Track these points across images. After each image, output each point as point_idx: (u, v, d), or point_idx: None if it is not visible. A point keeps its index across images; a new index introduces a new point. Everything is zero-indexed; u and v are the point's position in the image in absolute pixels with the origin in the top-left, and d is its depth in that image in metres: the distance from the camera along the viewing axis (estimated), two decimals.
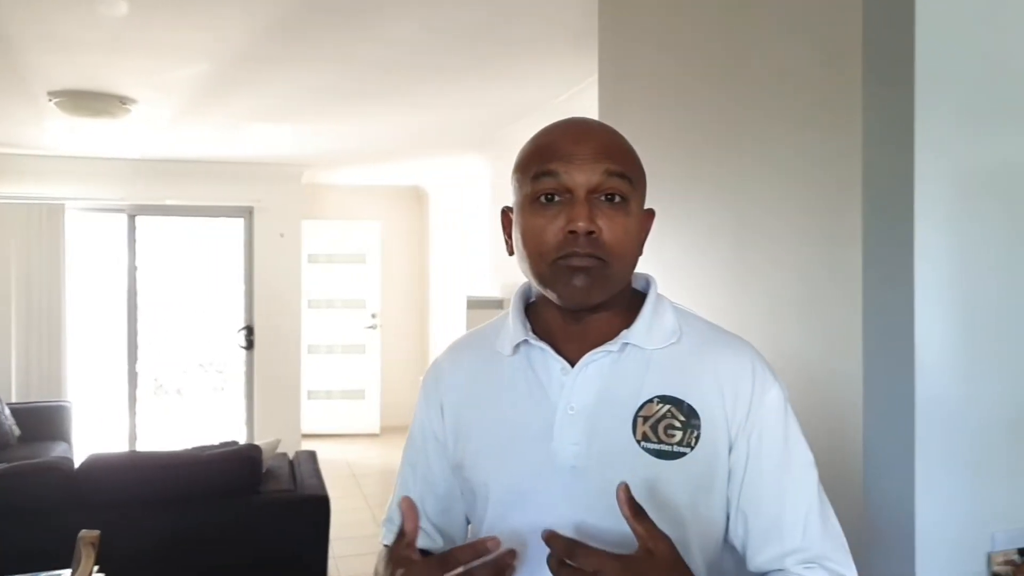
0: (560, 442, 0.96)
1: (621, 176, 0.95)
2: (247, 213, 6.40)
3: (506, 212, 1.04)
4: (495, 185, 5.35)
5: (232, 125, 4.78)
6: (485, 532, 0.99)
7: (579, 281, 0.93)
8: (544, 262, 0.95)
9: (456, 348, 1.12)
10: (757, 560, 0.96)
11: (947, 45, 1.39)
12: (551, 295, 0.96)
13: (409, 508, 0.91)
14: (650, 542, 0.83)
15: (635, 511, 0.84)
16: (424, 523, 1.03)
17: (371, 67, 3.55)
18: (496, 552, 0.87)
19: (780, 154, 1.63)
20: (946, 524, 1.38)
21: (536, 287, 1.00)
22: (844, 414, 1.40)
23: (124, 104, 4.05)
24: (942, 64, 1.39)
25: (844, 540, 0.97)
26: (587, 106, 3.04)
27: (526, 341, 1.01)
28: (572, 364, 0.98)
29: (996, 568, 1.39)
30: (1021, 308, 1.44)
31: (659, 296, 1.04)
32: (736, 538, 0.97)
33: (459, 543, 1.02)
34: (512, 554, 0.88)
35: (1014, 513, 1.42)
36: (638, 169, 0.99)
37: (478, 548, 0.87)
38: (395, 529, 1.06)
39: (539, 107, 4.18)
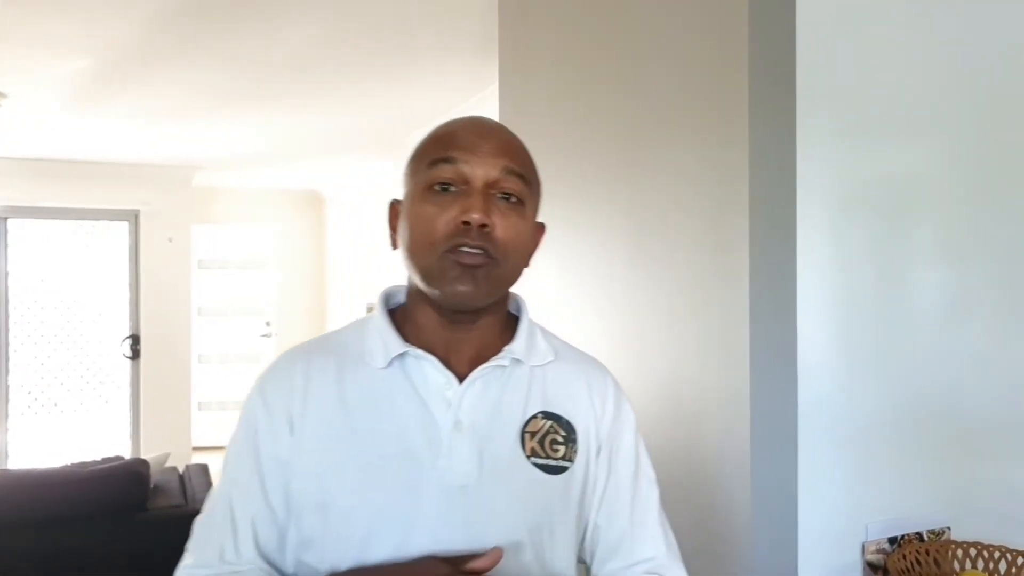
0: (449, 460, 0.91)
1: (520, 177, 0.93)
2: (133, 217, 6.10)
3: (394, 205, 1.00)
4: (398, 190, 5.30)
5: (117, 124, 4.55)
6: (347, 562, 0.89)
7: (464, 285, 0.89)
8: (432, 253, 0.90)
9: (306, 355, 0.97)
10: (604, 570, 1.00)
11: (825, 66, 1.49)
12: (434, 292, 0.91)
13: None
14: None
15: None
16: (255, 558, 0.92)
17: (267, 66, 3.46)
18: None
19: (674, 165, 1.69)
20: (826, 517, 1.47)
21: (418, 282, 0.94)
22: (733, 414, 1.47)
23: None
24: (821, 84, 1.48)
25: (679, 552, 1.04)
26: (489, 113, 3.06)
27: (405, 353, 0.94)
28: (457, 377, 0.94)
29: (869, 557, 1.49)
30: (894, 315, 1.55)
31: (530, 319, 1.03)
32: (584, 549, 1.01)
33: None
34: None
35: (886, 506, 1.52)
36: (535, 177, 0.98)
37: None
38: None
39: (442, 112, 4.17)
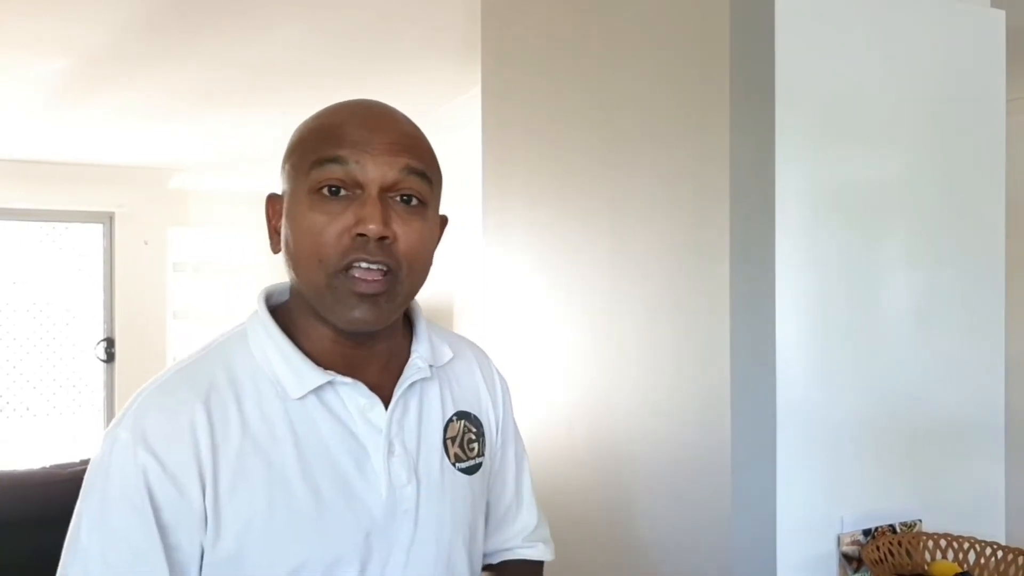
0: (390, 489, 0.83)
1: (422, 176, 0.81)
2: (108, 219, 6.04)
3: (273, 200, 0.87)
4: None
5: (93, 125, 4.51)
6: None
7: (362, 312, 0.79)
8: (323, 273, 0.78)
9: (195, 395, 0.79)
10: (494, 540, 1.02)
11: (803, 78, 1.54)
12: (326, 316, 0.81)
13: None
14: None
15: None
16: None
17: (248, 68, 3.45)
18: None
19: (655, 170, 1.73)
20: (803, 510, 1.52)
21: (306, 296, 0.82)
22: (713, 412, 1.51)
23: None
24: (798, 94, 1.54)
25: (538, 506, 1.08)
26: (472, 116, 3.09)
27: (330, 382, 0.83)
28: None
29: (844, 548, 1.54)
30: (867, 319, 1.61)
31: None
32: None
33: None
34: None
35: (860, 500, 1.57)
36: (438, 170, 0.87)
37: None
38: None
39: (425, 114, 4.17)
